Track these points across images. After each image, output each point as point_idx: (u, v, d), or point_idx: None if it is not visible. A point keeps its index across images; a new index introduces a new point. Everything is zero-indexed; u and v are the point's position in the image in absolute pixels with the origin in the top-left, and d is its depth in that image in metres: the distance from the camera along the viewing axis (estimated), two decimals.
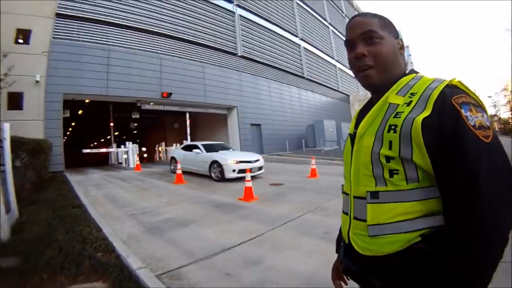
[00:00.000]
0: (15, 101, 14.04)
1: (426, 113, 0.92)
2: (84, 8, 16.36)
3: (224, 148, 13.36)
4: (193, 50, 21.07)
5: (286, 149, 24.80)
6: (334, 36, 38.18)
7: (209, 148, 12.73)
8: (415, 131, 0.92)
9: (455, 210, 0.88)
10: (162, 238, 5.09)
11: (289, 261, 3.96)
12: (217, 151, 12.35)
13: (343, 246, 1.22)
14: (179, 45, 20.35)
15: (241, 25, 24.20)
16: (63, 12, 15.73)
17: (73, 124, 29.49)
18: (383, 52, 1.07)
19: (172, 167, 14.28)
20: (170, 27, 19.84)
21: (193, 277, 3.62)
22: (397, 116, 0.98)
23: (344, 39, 1.17)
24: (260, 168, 11.68)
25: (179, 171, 11.64)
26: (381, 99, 1.08)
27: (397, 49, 1.12)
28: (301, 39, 31.14)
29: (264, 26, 26.46)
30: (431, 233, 0.94)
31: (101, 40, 16.92)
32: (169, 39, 19.80)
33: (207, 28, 21.83)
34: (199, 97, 20.85)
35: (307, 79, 31.36)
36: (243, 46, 24.08)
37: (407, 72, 1.14)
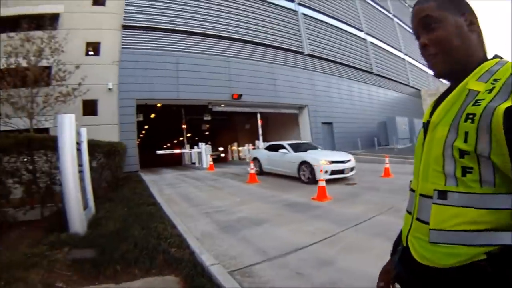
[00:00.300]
0: (90, 107, 15.87)
1: (510, 102, 0.81)
2: (149, 18, 18.07)
3: (311, 147, 12.88)
4: (261, 51, 21.77)
5: (359, 147, 24.23)
6: (400, 28, 36.38)
7: (296, 148, 12.19)
8: (496, 123, 0.81)
9: None
10: (236, 236, 5.20)
11: (361, 263, 3.83)
12: (305, 150, 11.82)
13: (400, 249, 1.15)
14: (246, 47, 21.18)
15: (304, 23, 24.38)
16: (129, 24, 17.60)
17: (146, 127, 31.61)
18: (443, 36, 1.00)
19: (255, 167, 13.18)
20: (236, 31, 20.78)
21: (264, 275, 3.67)
22: (477, 104, 0.88)
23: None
24: (352, 169, 10.92)
25: (252, 171, 11.81)
26: (460, 85, 0.98)
27: (463, 27, 1.01)
28: (367, 34, 30.40)
29: (327, 23, 26.28)
30: (498, 252, 0.84)
31: (169, 47, 18.42)
32: (236, 42, 20.74)
33: (271, 29, 22.45)
34: (269, 97, 21.42)
35: (376, 74, 30.50)
36: (310, 44, 24.21)
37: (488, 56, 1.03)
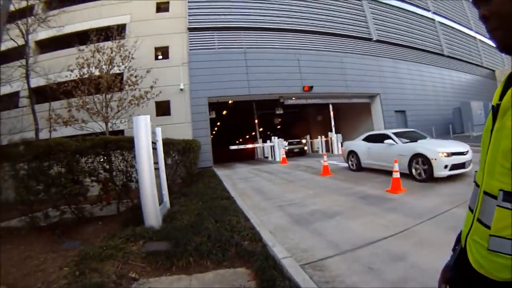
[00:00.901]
0: (163, 108, 16.82)
1: None
2: (213, 19, 18.81)
3: (419, 136, 10.62)
4: (328, 41, 21.43)
5: (433, 135, 22.46)
6: (468, 4, 32.58)
7: (402, 137, 10.16)
8: None
9: None
10: (308, 229, 5.14)
11: (435, 259, 3.44)
12: (414, 140, 9.84)
13: (458, 250, 1.05)
14: (314, 38, 20.98)
15: (370, 8, 23.43)
16: (194, 26, 18.43)
17: (219, 123, 32.54)
18: (504, 6, 0.82)
19: (350, 162, 12.04)
20: (303, 22, 20.65)
21: (335, 269, 3.60)
22: None
23: None
24: (470, 162, 8.70)
25: (325, 163, 11.47)
26: None
27: None
28: (434, 13, 28.09)
29: (393, 5, 24.84)
30: None
31: (236, 45, 18.94)
32: (303, 34, 20.64)
33: (337, 17, 21.97)
34: (340, 87, 21.00)
35: (447, 56, 28.20)
36: (377, 30, 23.24)
37: None
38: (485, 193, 0.88)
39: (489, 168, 0.87)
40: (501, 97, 0.88)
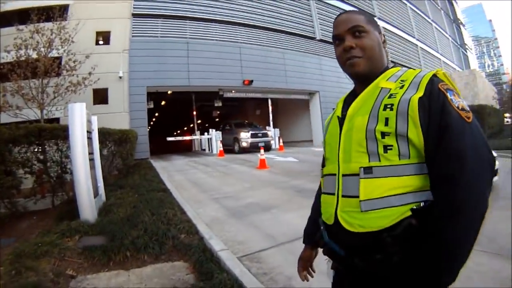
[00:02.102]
0: (101, 96, 15.87)
1: (419, 93, 1.05)
2: (158, 6, 18.06)
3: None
4: (272, 37, 21.56)
5: None
6: (414, 14, 35.13)
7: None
8: (412, 109, 1.04)
9: (443, 180, 0.99)
10: (244, 222, 5.21)
11: None
12: None
13: (324, 229, 1.27)
14: (258, 32, 20.98)
15: (316, 8, 23.92)
16: (138, 12, 17.57)
17: (156, 114, 31.65)
18: (369, 44, 1.21)
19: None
20: (247, 16, 20.56)
21: (272, 260, 3.69)
22: (392, 97, 1.10)
23: (332, 34, 1.30)
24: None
25: (262, 157, 11.65)
26: (372, 84, 1.19)
27: (381, 43, 1.27)
28: (379, 19, 29.04)
29: (340, 8, 25.17)
30: (420, 208, 1.03)
31: (179, 34, 18.36)
32: (247, 28, 20.56)
33: (283, 14, 22.13)
34: (280, 83, 21.19)
35: (391, 60, 29.42)
36: (321, 30, 23.75)
37: (389, 66, 1.29)
38: (344, 175, 1.16)
39: (345, 157, 1.17)
40: (343, 110, 1.26)
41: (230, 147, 18.72)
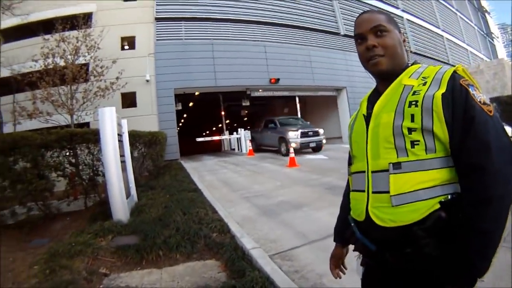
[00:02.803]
0: (129, 100, 16.37)
1: (442, 90, 1.09)
2: (181, 9, 18.36)
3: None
4: (296, 34, 21.43)
5: None
6: (437, 4, 33.83)
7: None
8: (436, 104, 1.07)
9: (472, 170, 1.03)
10: (276, 220, 5.20)
11: None
12: None
13: (355, 225, 1.31)
14: (282, 30, 20.91)
15: (339, 3, 23.66)
16: (161, 16, 17.95)
17: (185, 115, 32.09)
18: (391, 43, 1.25)
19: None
20: (271, 14, 20.54)
21: (304, 258, 3.68)
22: (416, 94, 1.13)
23: (354, 33, 1.35)
24: None
25: (292, 155, 11.59)
26: (395, 82, 1.23)
27: (402, 41, 1.30)
28: (403, 11, 28.65)
29: (361, 1, 24.94)
30: (448, 200, 1.07)
31: (203, 36, 18.56)
32: (271, 26, 20.54)
33: (306, 11, 22.01)
34: (307, 80, 21.06)
35: (415, 53, 28.60)
36: (345, 24, 23.43)
37: (409, 63, 1.32)
38: (374, 172, 1.20)
39: (374, 154, 1.21)
40: (368, 109, 1.31)
41: (273, 148, 16.94)
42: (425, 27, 31.06)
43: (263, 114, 36.26)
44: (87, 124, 13.11)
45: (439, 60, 31.53)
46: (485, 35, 46.10)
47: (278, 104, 29.83)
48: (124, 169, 5.96)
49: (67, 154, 6.11)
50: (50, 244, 4.32)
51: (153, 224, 4.81)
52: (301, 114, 22.97)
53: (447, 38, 34.08)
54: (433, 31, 32.26)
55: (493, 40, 48.75)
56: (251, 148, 17.55)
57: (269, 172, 10.55)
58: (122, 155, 5.98)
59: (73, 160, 6.17)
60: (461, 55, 36.09)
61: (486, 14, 48.72)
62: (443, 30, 33.56)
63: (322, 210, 5.50)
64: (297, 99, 22.81)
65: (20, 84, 11.76)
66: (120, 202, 5.24)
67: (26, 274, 3.51)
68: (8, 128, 11.38)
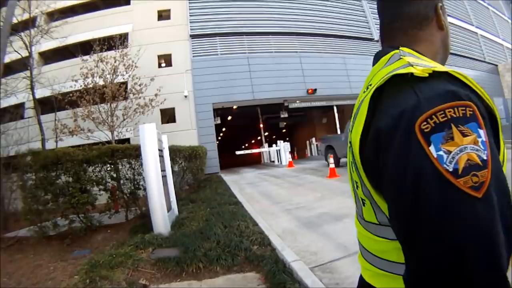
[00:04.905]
0: (168, 115, 17.03)
1: (359, 127, 0.74)
2: (214, 25, 19.04)
3: None
4: (330, 43, 21.57)
5: None
6: (468, 1, 32.57)
7: None
8: (355, 152, 0.76)
9: None
10: (317, 232, 5.12)
11: None
12: None
13: None
14: (316, 40, 21.14)
15: (370, 8, 23.52)
16: (196, 33, 18.66)
17: (224, 129, 32.63)
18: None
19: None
20: (304, 25, 20.84)
21: (345, 270, 3.59)
22: (354, 117, 0.81)
23: None
24: None
25: (332, 165, 11.41)
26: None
27: None
28: None
29: None
30: None
31: (239, 50, 19.12)
32: (305, 36, 20.81)
33: (338, 19, 22.11)
34: (344, 89, 21.04)
35: (450, 53, 27.62)
36: (378, 30, 22.85)
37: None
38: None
39: None
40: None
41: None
42: (458, 25, 30.13)
43: (301, 125, 36.26)
44: (127, 140, 13.58)
45: (474, 59, 30.57)
46: None
47: (317, 115, 29.81)
48: (165, 183, 6.08)
49: (109, 169, 6.32)
50: (91, 255, 4.46)
51: (194, 237, 4.84)
52: (339, 123, 22.81)
53: (481, 35, 32.79)
54: (467, 29, 31.20)
55: None
56: (290, 160, 17.49)
57: (309, 184, 10.44)
58: (163, 170, 6.11)
59: (115, 175, 6.38)
60: (496, 52, 34.56)
61: None
62: (476, 27, 32.35)
63: None
64: (335, 108, 22.75)
65: (60, 103, 12.41)
66: (161, 215, 5.34)
67: (66, 283, 3.62)
68: (49, 145, 11.94)
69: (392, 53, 0.82)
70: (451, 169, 0.56)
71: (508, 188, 0.59)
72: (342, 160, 12.09)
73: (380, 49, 0.95)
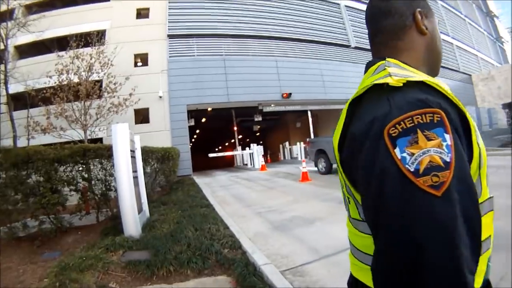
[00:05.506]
0: (142, 116, 16.79)
1: (339, 131, 0.86)
2: (192, 26, 18.90)
3: None
4: (307, 48, 21.75)
5: None
6: (446, 11, 33.72)
7: None
8: (336, 154, 0.87)
9: None
10: (288, 235, 5.16)
11: None
12: None
13: None
14: (293, 45, 21.27)
15: (348, 15, 23.96)
16: (174, 33, 18.47)
17: (198, 131, 32.43)
18: None
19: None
20: (282, 29, 20.97)
21: (316, 274, 3.63)
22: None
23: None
24: None
25: (304, 169, 11.54)
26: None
27: None
28: None
29: None
30: None
31: (215, 52, 19.01)
32: (282, 41, 20.95)
33: (316, 25, 22.37)
34: (319, 94, 21.27)
35: None
36: (355, 37, 23.70)
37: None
38: None
39: None
40: None
41: None
42: None
43: (275, 129, 36.56)
44: (100, 140, 13.31)
45: (449, 68, 31.40)
46: (494, 40, 45.77)
47: (291, 119, 30.09)
48: (136, 184, 6.01)
49: (80, 169, 6.20)
50: (61, 258, 4.37)
51: (165, 239, 4.81)
52: (313, 128, 23.16)
53: (457, 46, 33.91)
54: (443, 39, 32.14)
55: (503, 45, 48.27)
56: (263, 163, 17.61)
57: (281, 187, 10.53)
58: (134, 171, 6.04)
59: (86, 175, 6.26)
60: (471, 62, 35.85)
61: (495, 19, 48.39)
62: (452, 37, 33.42)
63: (335, 225, 5.42)
64: (309, 113, 22.92)
65: (34, 99, 12.06)
66: (132, 217, 5.27)
67: (36, 286, 3.55)
68: (21, 142, 11.62)
69: (378, 63, 0.88)
70: (412, 169, 0.62)
71: (475, 193, 0.65)
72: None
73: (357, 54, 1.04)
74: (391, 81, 0.72)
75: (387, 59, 0.88)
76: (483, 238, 0.69)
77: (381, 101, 0.72)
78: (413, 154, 0.63)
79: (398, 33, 0.91)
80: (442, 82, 0.77)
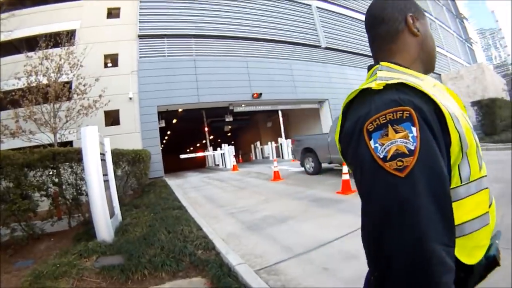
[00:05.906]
0: (113, 117, 16.41)
1: (338, 129, 1.01)
2: (163, 26, 18.63)
3: None
4: (278, 49, 21.91)
5: None
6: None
7: None
8: (338, 148, 1.03)
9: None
10: (261, 235, 5.22)
11: None
12: None
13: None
14: (263, 45, 21.36)
15: (320, 16, 24.25)
16: (144, 33, 18.14)
17: (169, 132, 32.11)
18: None
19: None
20: (252, 30, 21.04)
21: (290, 272, 3.69)
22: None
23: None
24: None
25: (276, 169, 11.71)
26: None
27: None
28: None
29: (342, 14, 25.88)
30: None
31: (186, 52, 18.85)
32: (252, 41, 21.01)
33: (287, 25, 22.55)
34: (289, 94, 21.47)
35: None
36: (326, 37, 24.08)
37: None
38: None
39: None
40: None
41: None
42: None
43: (246, 129, 36.64)
44: (70, 143, 12.96)
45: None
46: (464, 41, 47.55)
47: (261, 119, 30.23)
48: (107, 188, 5.94)
49: (50, 173, 6.08)
50: (34, 266, 4.29)
51: (138, 243, 4.79)
52: (284, 127, 23.32)
53: None
54: None
55: (472, 45, 50.29)
56: (235, 163, 17.67)
57: (253, 187, 10.62)
58: (105, 174, 5.96)
59: (56, 180, 6.14)
60: (441, 62, 37.02)
61: (464, 20, 50.36)
62: None
63: (308, 223, 5.56)
64: (279, 112, 23.16)
65: (2, 102, 11.60)
66: (104, 221, 5.21)
67: None
68: None
69: (374, 68, 1.04)
70: (381, 156, 0.78)
71: (440, 174, 0.77)
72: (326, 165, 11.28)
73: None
74: (374, 85, 0.86)
75: (381, 63, 1.02)
76: (476, 215, 0.88)
77: (365, 103, 0.87)
78: (383, 144, 0.78)
79: (392, 38, 1.05)
80: (429, 79, 0.99)
